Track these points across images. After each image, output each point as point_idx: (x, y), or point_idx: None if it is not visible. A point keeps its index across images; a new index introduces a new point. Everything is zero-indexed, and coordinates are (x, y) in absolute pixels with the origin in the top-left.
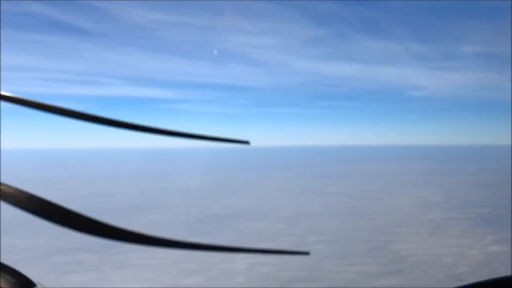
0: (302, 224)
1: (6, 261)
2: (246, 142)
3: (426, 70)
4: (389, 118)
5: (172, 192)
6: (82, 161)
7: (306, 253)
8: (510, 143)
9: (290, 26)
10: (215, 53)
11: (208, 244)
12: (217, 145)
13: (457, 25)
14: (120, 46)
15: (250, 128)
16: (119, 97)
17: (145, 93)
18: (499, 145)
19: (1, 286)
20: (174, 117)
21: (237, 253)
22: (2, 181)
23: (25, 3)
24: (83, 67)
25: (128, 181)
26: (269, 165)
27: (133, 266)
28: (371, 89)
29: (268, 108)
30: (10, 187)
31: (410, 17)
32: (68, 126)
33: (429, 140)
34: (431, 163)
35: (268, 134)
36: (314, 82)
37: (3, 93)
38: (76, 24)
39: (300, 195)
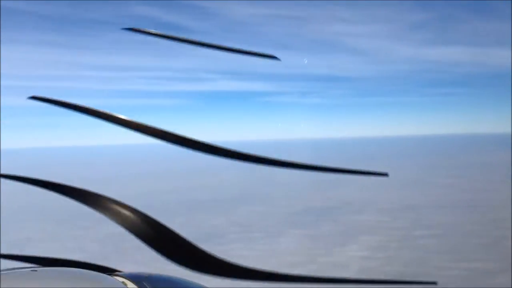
0: (408, 217)
1: (118, 249)
2: (385, 174)
3: None
4: (503, 103)
5: (271, 185)
6: (164, 156)
7: (433, 283)
8: None
9: (391, 11)
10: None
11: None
12: (316, 136)
13: None
14: (220, 42)
15: (351, 118)
16: (220, 91)
17: (245, 86)
18: None
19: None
20: (273, 109)
21: (360, 285)
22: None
23: (132, 4)
24: (187, 64)
25: (226, 174)
26: (372, 156)
27: (234, 257)
28: (483, 73)
29: (370, 98)
30: (120, 204)
31: None
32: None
33: None
34: None
35: (370, 125)
36: (420, 69)
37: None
38: (180, 23)
39: (406, 187)
